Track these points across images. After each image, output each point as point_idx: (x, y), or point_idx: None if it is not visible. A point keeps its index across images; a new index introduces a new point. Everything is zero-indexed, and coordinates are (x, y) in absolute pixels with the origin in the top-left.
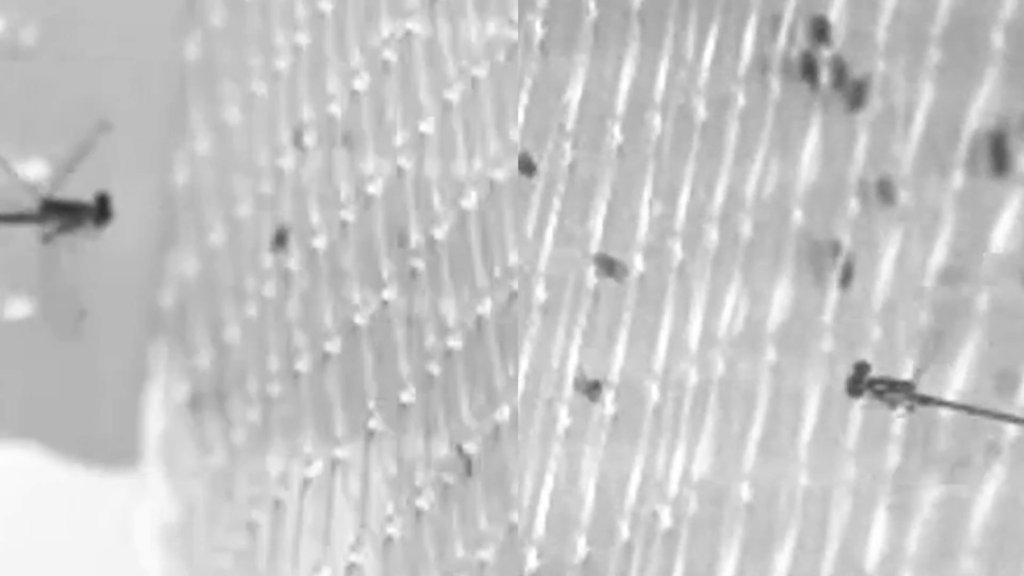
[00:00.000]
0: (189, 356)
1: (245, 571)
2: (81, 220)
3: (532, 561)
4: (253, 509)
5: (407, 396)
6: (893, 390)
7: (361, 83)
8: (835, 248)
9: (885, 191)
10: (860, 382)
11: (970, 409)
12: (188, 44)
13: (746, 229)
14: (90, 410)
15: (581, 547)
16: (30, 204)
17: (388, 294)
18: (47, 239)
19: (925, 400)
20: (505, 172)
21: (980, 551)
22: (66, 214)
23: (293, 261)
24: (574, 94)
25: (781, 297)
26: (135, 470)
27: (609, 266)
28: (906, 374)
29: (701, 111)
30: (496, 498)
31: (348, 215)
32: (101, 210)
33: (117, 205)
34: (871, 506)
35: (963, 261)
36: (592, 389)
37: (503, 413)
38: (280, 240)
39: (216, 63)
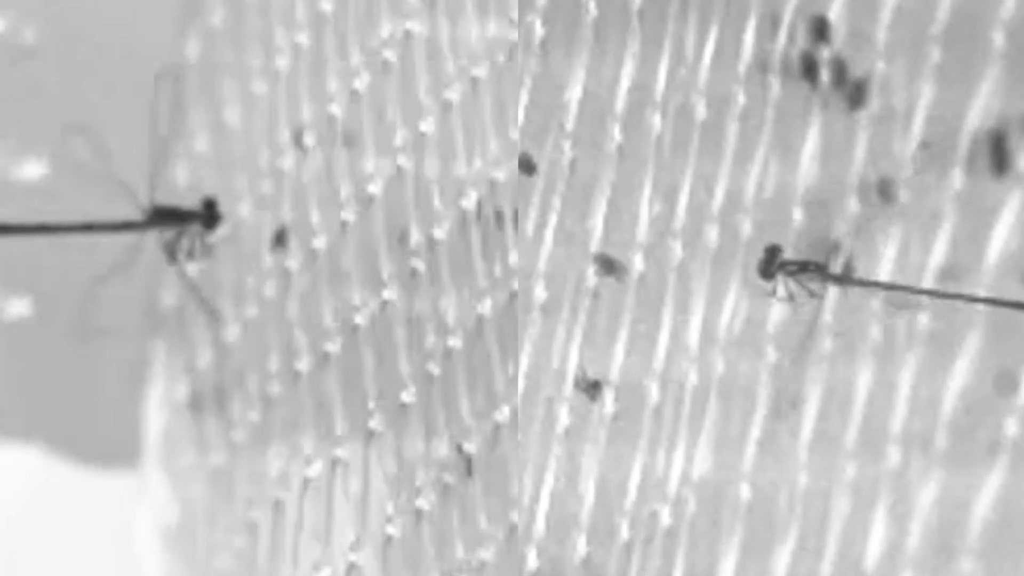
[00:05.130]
0: (189, 356)
1: (245, 571)
2: (189, 225)
3: (532, 561)
4: (253, 509)
5: (407, 396)
6: (805, 271)
7: (361, 83)
8: (835, 248)
9: (885, 191)
10: (772, 264)
11: (890, 286)
12: (188, 44)
13: (746, 229)
14: (90, 410)
15: (581, 547)
16: (132, 212)
17: (388, 294)
18: (169, 249)
19: (839, 279)
20: (505, 172)
21: (980, 551)
22: (173, 220)
23: (293, 261)
24: (574, 94)
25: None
26: (135, 470)
27: (609, 266)
28: None
29: (701, 111)
30: (496, 498)
31: (348, 215)
32: (209, 213)
33: (116, 205)
34: (871, 506)
35: (963, 261)
36: (592, 389)
37: (503, 413)
38: (280, 240)
39: (216, 63)
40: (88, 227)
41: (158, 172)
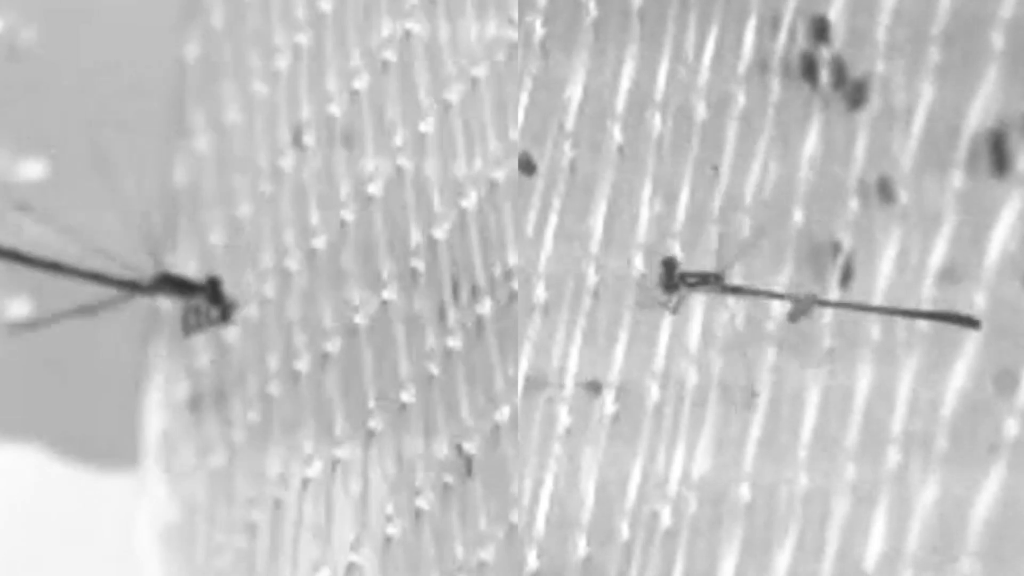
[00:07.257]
0: (189, 356)
1: (245, 571)
2: (192, 298)
3: (532, 561)
4: (253, 509)
5: (407, 396)
6: (705, 282)
7: (361, 83)
8: (835, 248)
9: (885, 191)
10: (672, 277)
11: (773, 295)
12: (188, 44)
13: (746, 229)
14: (90, 410)
15: (581, 547)
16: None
17: (388, 294)
18: (182, 322)
19: (736, 290)
20: (505, 172)
21: (980, 552)
22: (178, 290)
23: (293, 261)
24: (574, 94)
25: None
26: (135, 470)
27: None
28: None
29: (701, 111)
30: (496, 498)
31: (348, 215)
32: (213, 293)
33: (117, 204)
34: (871, 506)
35: (963, 261)
36: (592, 389)
37: (503, 413)
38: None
39: (216, 63)
40: (95, 276)
41: (165, 234)
